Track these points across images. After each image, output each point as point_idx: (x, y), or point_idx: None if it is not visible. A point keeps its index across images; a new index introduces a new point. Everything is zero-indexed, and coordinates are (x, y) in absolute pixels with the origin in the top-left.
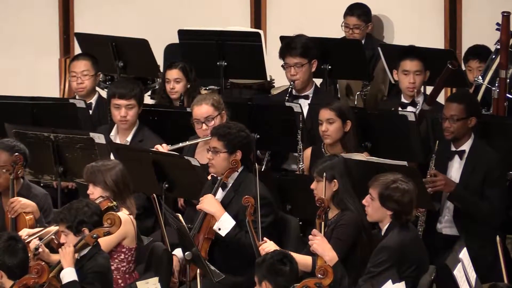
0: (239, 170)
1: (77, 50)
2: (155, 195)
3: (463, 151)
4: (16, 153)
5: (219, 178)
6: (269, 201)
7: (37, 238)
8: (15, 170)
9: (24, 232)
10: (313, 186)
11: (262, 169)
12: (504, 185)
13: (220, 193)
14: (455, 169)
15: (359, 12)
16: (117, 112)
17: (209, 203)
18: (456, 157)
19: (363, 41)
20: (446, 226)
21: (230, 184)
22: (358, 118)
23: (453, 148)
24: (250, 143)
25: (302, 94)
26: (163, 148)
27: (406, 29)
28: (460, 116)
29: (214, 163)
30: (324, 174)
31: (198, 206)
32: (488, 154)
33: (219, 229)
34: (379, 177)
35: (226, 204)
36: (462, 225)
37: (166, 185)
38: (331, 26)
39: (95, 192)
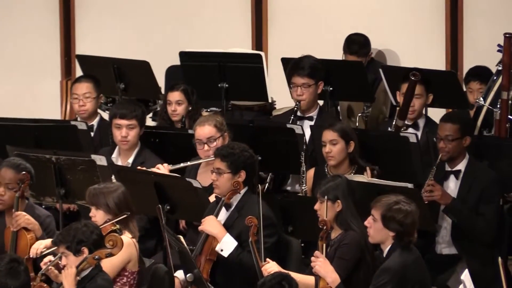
0: (242, 192)
1: (78, 72)
2: (160, 206)
3: (459, 170)
4: (23, 172)
5: (222, 199)
6: (273, 222)
7: (45, 261)
8: (21, 188)
9: (41, 245)
10: (316, 206)
11: (265, 190)
12: (498, 203)
13: (224, 214)
14: (451, 190)
15: (356, 48)
16: (118, 132)
17: (211, 224)
18: (452, 177)
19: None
20: (444, 246)
21: (234, 205)
22: (359, 140)
23: (448, 168)
24: (253, 163)
25: (307, 115)
26: (164, 167)
27: (407, 51)
28: (454, 136)
29: (218, 184)
30: (327, 197)
31: (200, 228)
32: (483, 173)
33: (221, 250)
34: (382, 198)
35: (229, 224)
36: (461, 245)
37: (168, 207)
38: (332, 47)
39: (97, 215)
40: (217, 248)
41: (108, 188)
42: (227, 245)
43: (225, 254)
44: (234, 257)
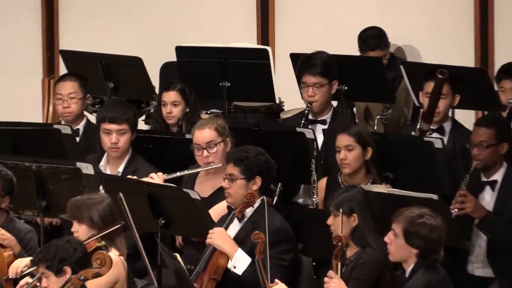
0: (255, 205)
1: (63, 69)
2: (121, 195)
3: (495, 181)
4: None
5: (232, 212)
6: (290, 236)
7: (21, 284)
8: None
9: (22, 263)
10: (329, 221)
11: (274, 202)
12: None
13: (237, 226)
14: (486, 202)
15: (375, 42)
16: (107, 138)
17: (220, 238)
18: (487, 189)
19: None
20: (478, 266)
21: (248, 216)
22: (378, 145)
23: (483, 179)
24: (270, 168)
25: (319, 119)
26: (158, 177)
27: (431, 47)
28: (489, 142)
29: (231, 192)
30: (341, 210)
31: (207, 241)
32: None
33: (234, 267)
34: (404, 211)
35: (241, 238)
36: (496, 265)
37: (163, 221)
38: (346, 42)
39: (80, 230)
40: (230, 265)
41: (92, 200)
42: (240, 261)
43: (239, 271)
44: (249, 275)
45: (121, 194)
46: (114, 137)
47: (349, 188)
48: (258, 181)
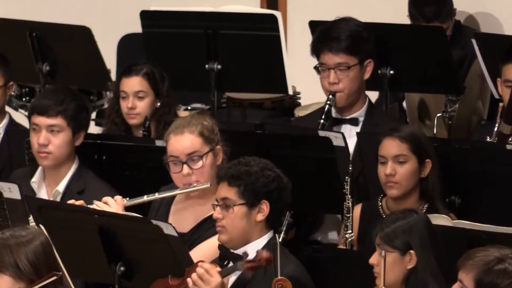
0: (265, 237)
1: None
2: (42, 227)
3: None
4: None
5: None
6: None
7: None
8: None
9: None
10: (373, 260)
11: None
12: None
13: (233, 273)
14: None
15: (432, 10)
16: (35, 138)
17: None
18: None
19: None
20: None
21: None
22: (439, 156)
23: None
24: (282, 188)
25: (348, 117)
26: (116, 202)
27: None
28: None
29: (226, 225)
30: (390, 245)
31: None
32: None
33: None
34: (476, 253)
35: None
36: None
37: (122, 269)
38: (391, 4)
39: (2, 283)
40: None
41: (18, 238)
42: None
43: None
44: None
45: (42, 227)
46: (42, 135)
47: (406, 213)
48: (265, 207)
